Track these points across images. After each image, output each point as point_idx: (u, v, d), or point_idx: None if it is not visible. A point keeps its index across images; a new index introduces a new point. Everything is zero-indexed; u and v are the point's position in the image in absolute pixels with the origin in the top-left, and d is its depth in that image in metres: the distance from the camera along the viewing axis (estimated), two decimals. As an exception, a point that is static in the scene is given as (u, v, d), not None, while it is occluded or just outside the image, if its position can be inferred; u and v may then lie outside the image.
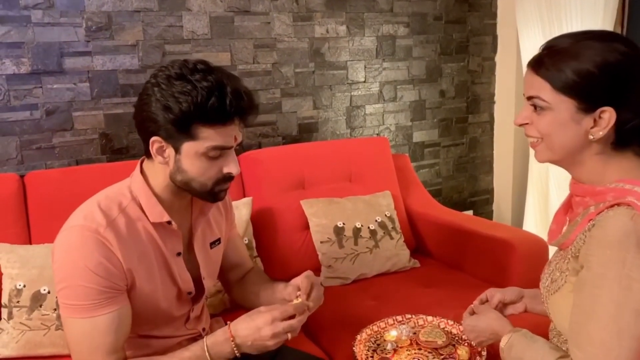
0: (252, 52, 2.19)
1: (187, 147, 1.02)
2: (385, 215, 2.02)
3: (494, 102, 2.93)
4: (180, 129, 1.00)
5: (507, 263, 1.81)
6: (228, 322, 1.09)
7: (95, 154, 1.97)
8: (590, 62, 0.87)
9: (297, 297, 1.14)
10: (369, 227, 1.96)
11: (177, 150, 1.03)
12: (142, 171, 1.11)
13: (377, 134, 2.57)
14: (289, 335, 1.04)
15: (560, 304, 0.96)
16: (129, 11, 1.95)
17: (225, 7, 2.11)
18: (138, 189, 1.09)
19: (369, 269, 1.92)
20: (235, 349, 1.05)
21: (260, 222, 1.90)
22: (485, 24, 2.79)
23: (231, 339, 1.05)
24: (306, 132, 2.38)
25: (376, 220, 1.98)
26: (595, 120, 0.89)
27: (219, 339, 1.06)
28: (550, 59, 0.92)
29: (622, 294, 0.81)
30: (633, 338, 0.81)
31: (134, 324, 1.09)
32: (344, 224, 1.93)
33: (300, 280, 1.17)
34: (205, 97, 0.97)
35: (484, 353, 1.36)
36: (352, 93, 2.47)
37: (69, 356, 1.24)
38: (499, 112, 2.92)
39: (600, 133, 0.89)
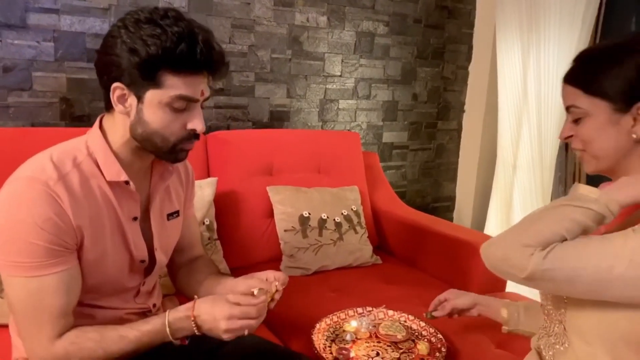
0: (229, 31, 2.12)
1: (151, 95, 0.95)
2: (352, 209, 1.99)
3: (463, 111, 2.97)
4: (145, 75, 0.93)
5: (469, 265, 1.81)
6: (195, 297, 1.04)
7: (54, 119, 1.85)
8: (617, 61, 0.88)
9: (260, 289, 1.08)
10: (334, 220, 1.92)
11: (139, 99, 0.96)
12: (101, 127, 1.04)
13: (349, 130, 2.55)
14: (246, 332, 1.00)
15: (584, 300, 0.89)
16: (104, -27, 1.86)
17: (206, -19, 2.04)
18: (95, 145, 1.01)
19: (331, 261, 1.89)
20: (195, 328, 1.01)
21: (224, 204, 1.84)
22: (462, 33, 2.83)
23: (192, 318, 1.00)
24: (277, 120, 2.33)
25: (342, 213, 1.95)
26: (635, 118, 0.88)
27: (181, 315, 1.02)
28: (579, 67, 0.93)
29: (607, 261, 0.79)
30: (598, 274, 0.80)
31: (80, 290, 1.01)
32: (309, 214, 1.89)
33: (275, 275, 1.13)
34: (175, 42, 0.91)
35: (444, 349, 1.34)
36: (327, 86, 2.44)
37: (6, 327, 1.14)
38: (468, 121, 2.96)
39: None
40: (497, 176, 2.58)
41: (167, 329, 1.00)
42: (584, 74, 0.92)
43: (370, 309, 1.52)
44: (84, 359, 0.97)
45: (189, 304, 1.03)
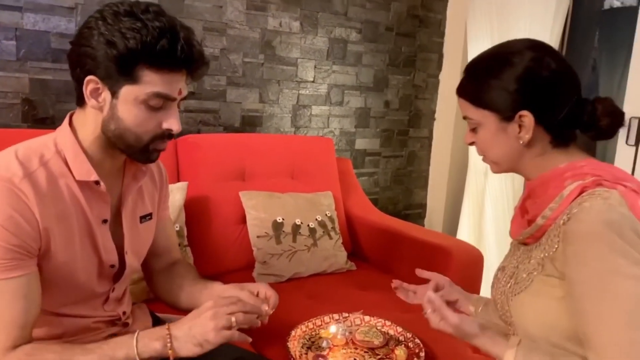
0: (201, 34, 2.08)
1: (127, 91, 0.91)
2: (326, 214, 1.97)
3: (434, 119, 2.99)
4: (122, 69, 0.89)
5: (443, 269, 1.79)
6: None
7: (15, 121, 1.77)
8: (495, 75, 0.93)
9: None
10: (308, 225, 1.89)
11: (114, 94, 0.92)
12: (71, 125, 0.98)
13: (322, 136, 2.53)
14: (233, 319, 0.94)
15: (526, 304, 0.93)
16: (70, -30, 1.79)
17: (177, -17, 2.00)
18: (65, 142, 0.96)
19: (305, 268, 1.85)
20: (169, 341, 0.92)
21: (194, 209, 1.79)
22: (433, 42, 2.86)
23: (167, 329, 0.94)
24: (249, 125, 2.29)
25: (316, 219, 1.92)
26: (520, 125, 0.93)
27: (154, 330, 0.95)
28: (466, 80, 0.99)
29: (625, 286, 0.79)
30: None
31: (45, 297, 0.94)
32: (283, 219, 1.85)
33: (267, 293, 1.10)
34: (155, 38, 0.87)
35: (422, 354, 1.33)
36: (300, 91, 2.42)
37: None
38: (438, 129, 2.98)
39: (527, 136, 0.92)
40: (468, 183, 2.60)
41: (134, 340, 0.92)
42: (469, 88, 0.97)
43: (347, 315, 1.49)
44: None
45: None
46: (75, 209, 0.96)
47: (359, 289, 1.80)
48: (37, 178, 0.90)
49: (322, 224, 1.93)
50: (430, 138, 3.01)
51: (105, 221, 1.02)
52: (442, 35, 2.88)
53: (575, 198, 0.87)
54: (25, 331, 0.90)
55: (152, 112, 0.94)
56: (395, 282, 1.32)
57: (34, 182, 0.90)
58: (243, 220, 1.87)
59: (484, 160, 1.02)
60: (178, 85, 0.94)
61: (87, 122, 0.96)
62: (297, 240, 1.85)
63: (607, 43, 2.62)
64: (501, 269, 1.09)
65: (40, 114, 1.81)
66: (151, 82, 0.91)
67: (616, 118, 0.93)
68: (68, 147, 0.95)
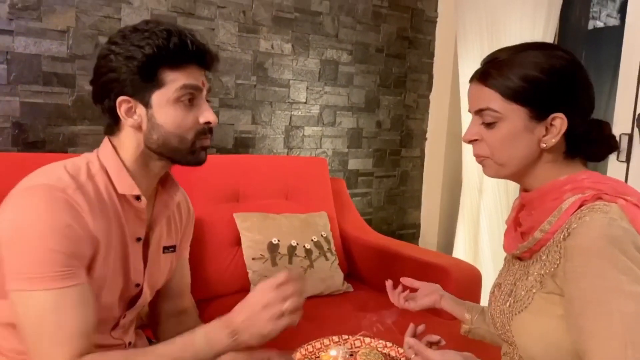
0: (193, 56, 2.08)
1: (158, 96, 0.95)
2: (322, 235, 1.95)
3: (425, 139, 3.00)
4: (146, 77, 0.94)
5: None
6: None
7: (5, 145, 1.74)
8: (536, 69, 0.87)
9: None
10: (304, 246, 1.87)
11: (147, 105, 0.95)
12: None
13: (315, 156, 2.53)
14: (286, 305, 0.94)
15: (528, 324, 0.90)
16: (62, -6, 1.79)
17: (169, 6, 2.01)
18: (107, 159, 0.99)
19: (302, 290, 1.82)
20: (229, 332, 0.92)
21: (189, 232, 1.76)
22: (423, 62, 2.89)
23: (226, 323, 0.93)
24: (242, 146, 2.28)
25: (312, 240, 1.90)
26: (547, 128, 0.89)
27: (214, 323, 0.94)
28: (497, 69, 0.90)
29: (625, 304, 0.76)
30: None
31: None
32: (278, 240, 1.83)
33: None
34: (166, 39, 0.93)
35: (425, 376, 1.30)
36: (292, 112, 2.42)
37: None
38: (430, 148, 3.00)
39: (553, 140, 0.88)
40: (463, 200, 2.60)
41: (203, 334, 0.92)
42: (500, 77, 0.89)
43: (347, 337, 1.46)
44: None
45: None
46: (116, 223, 0.98)
47: (358, 310, 1.77)
48: (87, 190, 0.93)
49: (318, 245, 1.91)
50: (422, 158, 3.02)
51: (139, 239, 1.03)
52: (432, 56, 2.92)
53: (575, 212, 0.85)
54: (88, 341, 0.90)
55: (186, 109, 0.97)
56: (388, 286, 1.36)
57: (85, 194, 0.92)
58: (238, 242, 1.84)
59: (484, 162, 0.95)
60: (199, 77, 0.99)
61: (126, 144, 0.99)
62: (293, 262, 1.82)
63: (593, 63, 2.67)
64: (497, 285, 1.06)
65: (30, 138, 1.78)
66: (175, 79, 0.95)
67: (611, 142, 0.93)
68: (111, 163, 0.98)
